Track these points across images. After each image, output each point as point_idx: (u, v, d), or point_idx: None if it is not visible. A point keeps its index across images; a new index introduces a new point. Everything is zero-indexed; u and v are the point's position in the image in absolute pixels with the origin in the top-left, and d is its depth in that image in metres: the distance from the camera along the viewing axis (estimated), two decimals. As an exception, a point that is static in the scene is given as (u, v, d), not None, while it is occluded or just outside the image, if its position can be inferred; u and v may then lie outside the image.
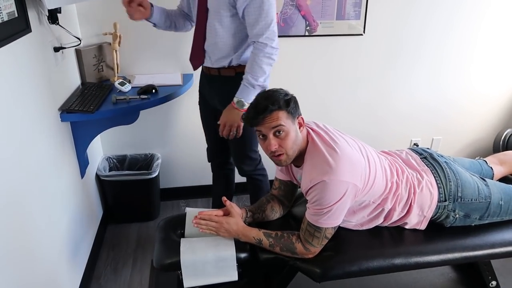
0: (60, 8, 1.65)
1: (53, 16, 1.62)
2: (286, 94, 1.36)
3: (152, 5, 1.79)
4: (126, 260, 2.19)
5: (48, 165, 1.59)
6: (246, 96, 1.66)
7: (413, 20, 2.51)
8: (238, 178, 2.28)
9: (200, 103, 2.05)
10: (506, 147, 2.75)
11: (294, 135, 1.35)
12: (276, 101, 1.31)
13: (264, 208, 1.59)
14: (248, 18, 1.61)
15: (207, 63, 1.82)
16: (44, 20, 1.63)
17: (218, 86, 1.86)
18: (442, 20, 2.54)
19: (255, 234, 1.43)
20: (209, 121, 2.00)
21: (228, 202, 1.46)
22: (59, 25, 1.69)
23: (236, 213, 1.46)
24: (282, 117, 1.31)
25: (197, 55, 1.83)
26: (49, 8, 1.52)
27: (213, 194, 2.31)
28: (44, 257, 1.49)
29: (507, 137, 2.78)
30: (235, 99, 1.68)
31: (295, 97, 1.38)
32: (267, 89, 1.40)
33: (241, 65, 1.75)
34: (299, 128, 1.39)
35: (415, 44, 2.57)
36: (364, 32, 2.47)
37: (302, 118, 1.40)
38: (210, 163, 2.21)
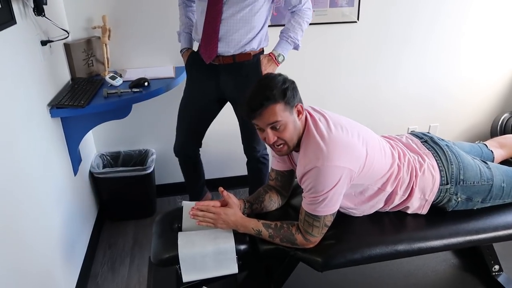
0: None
1: (38, 7, 1.56)
2: (284, 81, 1.31)
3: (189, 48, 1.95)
4: (123, 258, 2.15)
5: (39, 162, 1.54)
6: (286, 51, 1.87)
7: (405, 7, 2.48)
8: (236, 172, 2.26)
9: (192, 92, 1.98)
10: (503, 132, 2.74)
11: (293, 126, 1.32)
12: (271, 95, 1.26)
13: (263, 199, 1.55)
14: None
15: (220, 51, 1.79)
16: (30, 12, 1.58)
17: (236, 73, 1.84)
18: (431, 7, 2.51)
19: (254, 225, 1.40)
20: (199, 111, 1.98)
21: (225, 193, 1.42)
22: (46, 17, 1.64)
23: (234, 203, 1.42)
24: (279, 111, 1.27)
25: (212, 45, 1.78)
26: (34, -1, 1.47)
27: (188, 189, 2.29)
28: (37, 258, 1.45)
29: (504, 122, 2.77)
30: (275, 53, 1.86)
31: (293, 84, 1.33)
32: (265, 76, 1.35)
33: (256, 50, 1.85)
34: (298, 115, 1.34)
35: (408, 31, 2.55)
36: (358, 19, 2.44)
37: (301, 105, 1.35)
38: (180, 161, 2.19)
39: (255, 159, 2.09)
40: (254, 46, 1.81)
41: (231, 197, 1.43)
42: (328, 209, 1.33)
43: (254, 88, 1.32)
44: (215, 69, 1.85)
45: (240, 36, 1.76)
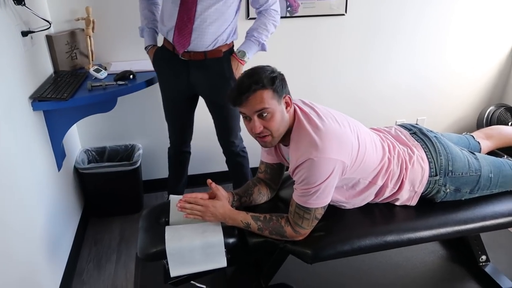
0: (25, -13, 1.55)
1: (18, -4, 1.51)
2: (273, 71, 1.30)
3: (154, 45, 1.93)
4: (109, 255, 2.11)
5: (20, 157, 1.49)
6: (249, 49, 1.84)
7: (392, 0, 2.48)
8: (219, 168, 2.22)
9: (165, 90, 1.97)
10: (489, 124, 2.76)
11: (280, 116, 1.30)
12: (260, 79, 1.25)
13: (251, 192, 1.53)
14: None
15: (192, 46, 1.76)
16: (9, 1, 1.52)
17: (207, 70, 1.83)
18: (417, 1, 2.52)
19: (243, 218, 1.38)
20: (176, 106, 1.98)
21: (213, 185, 1.40)
22: (26, 6, 1.59)
23: (223, 196, 1.40)
24: (267, 98, 1.25)
25: (186, 34, 1.75)
26: (13, -13, 1.42)
27: (170, 186, 2.27)
28: (20, 255, 1.40)
29: (490, 114, 2.80)
30: (236, 50, 1.84)
31: (282, 75, 1.32)
32: (254, 67, 1.33)
33: (227, 44, 1.83)
34: (286, 108, 1.33)
35: (395, 25, 2.56)
36: (346, 12, 2.43)
37: (289, 97, 1.34)
38: (170, 153, 2.19)
39: (234, 154, 2.08)
40: (224, 37, 1.79)
41: (219, 189, 1.40)
42: (320, 201, 1.32)
43: (242, 76, 1.31)
44: (185, 65, 1.83)
45: (214, 28, 1.74)
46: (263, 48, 1.88)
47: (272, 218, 1.37)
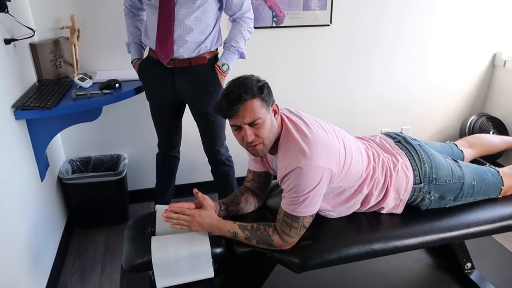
0: (8, -5, 1.53)
1: (1, 3, 1.49)
2: (258, 80, 1.31)
3: (140, 58, 1.93)
4: (94, 266, 2.07)
5: (2, 167, 1.45)
6: (231, 60, 1.85)
7: (377, 12, 2.53)
8: (206, 177, 2.21)
9: (152, 99, 1.97)
10: (472, 132, 2.82)
11: (270, 124, 1.31)
12: (249, 89, 1.25)
13: (238, 201, 1.53)
14: None
15: (176, 54, 1.77)
16: (-8, 8, 1.50)
17: (191, 77, 1.83)
18: (397, 14, 2.57)
19: (230, 227, 1.36)
20: (163, 113, 1.99)
21: (200, 194, 1.39)
22: (9, 13, 1.57)
23: (209, 205, 1.38)
24: (257, 107, 1.26)
25: (168, 45, 1.75)
26: (-4, -6, 1.40)
27: (157, 195, 2.25)
28: (0, 266, 1.36)
29: (472, 123, 2.86)
30: (219, 63, 1.84)
31: (267, 83, 1.33)
32: (238, 76, 1.34)
33: (211, 51, 1.84)
34: (274, 115, 1.34)
35: (378, 36, 2.60)
36: (331, 22, 2.46)
37: (276, 105, 1.35)
38: (159, 158, 2.18)
39: (220, 163, 2.08)
40: (207, 44, 1.80)
41: (206, 199, 1.39)
42: (308, 210, 1.32)
43: (228, 86, 1.30)
44: (170, 73, 1.83)
45: (194, 36, 1.75)
46: (242, 56, 1.90)
47: (260, 227, 1.37)
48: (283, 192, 1.34)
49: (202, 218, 1.33)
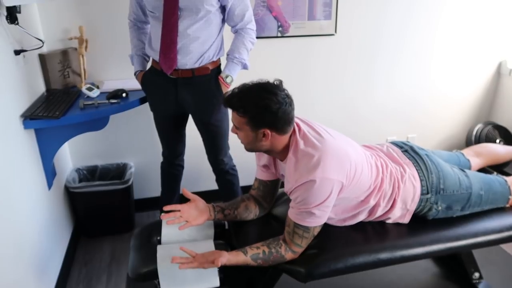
0: (19, 7, 1.56)
1: (12, 15, 1.52)
2: (268, 105, 1.25)
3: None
4: (100, 275, 2.07)
5: (10, 175, 1.47)
6: (234, 71, 1.86)
7: (379, 21, 2.54)
8: (211, 186, 2.21)
9: (155, 109, 1.99)
10: (478, 141, 2.80)
11: (247, 139, 1.34)
12: (244, 107, 1.28)
13: (237, 206, 1.52)
14: (236, 8, 1.79)
15: (179, 64, 1.78)
16: (2, 20, 1.53)
17: (194, 87, 1.84)
18: (397, 23, 2.58)
19: (243, 261, 1.32)
20: (166, 124, 2.01)
21: (189, 193, 1.42)
22: (19, 25, 1.60)
23: (200, 201, 1.44)
24: (240, 122, 1.31)
25: (171, 55, 1.77)
26: (7, 6, 1.43)
27: (163, 203, 2.23)
28: (7, 276, 1.37)
29: (479, 132, 2.84)
30: (223, 75, 1.84)
31: (277, 110, 1.25)
32: (266, 83, 1.33)
33: (214, 61, 1.85)
34: (262, 137, 1.31)
35: (382, 46, 2.61)
36: (335, 32, 2.48)
37: (269, 132, 1.30)
38: (164, 166, 2.20)
39: (224, 172, 2.08)
40: (210, 54, 1.81)
41: (197, 200, 1.44)
42: (318, 220, 1.32)
43: (250, 85, 1.31)
44: (173, 83, 1.84)
45: (197, 46, 1.76)
46: (245, 67, 1.91)
47: (272, 251, 1.33)
48: (292, 202, 1.34)
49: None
